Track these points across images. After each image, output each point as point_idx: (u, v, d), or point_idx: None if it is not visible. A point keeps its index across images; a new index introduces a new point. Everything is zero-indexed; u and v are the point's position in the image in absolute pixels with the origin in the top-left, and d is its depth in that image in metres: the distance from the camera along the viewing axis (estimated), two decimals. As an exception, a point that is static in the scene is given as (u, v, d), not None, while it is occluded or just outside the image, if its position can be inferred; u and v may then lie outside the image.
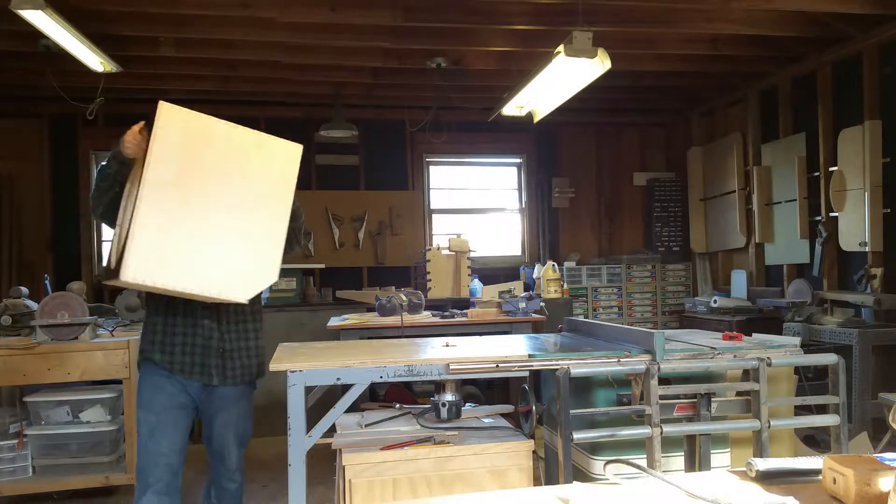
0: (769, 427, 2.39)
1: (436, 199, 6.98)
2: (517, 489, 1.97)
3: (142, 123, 2.43)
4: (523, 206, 7.09)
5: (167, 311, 2.62)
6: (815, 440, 4.27)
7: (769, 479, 1.31)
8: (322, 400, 2.84)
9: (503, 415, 2.85)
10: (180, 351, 2.61)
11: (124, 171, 2.44)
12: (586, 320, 3.42)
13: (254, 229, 2.40)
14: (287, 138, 2.49)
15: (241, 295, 2.40)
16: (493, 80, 5.63)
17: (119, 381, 3.98)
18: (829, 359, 2.52)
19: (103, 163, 2.53)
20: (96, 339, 3.94)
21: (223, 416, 2.72)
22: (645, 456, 2.32)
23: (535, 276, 6.09)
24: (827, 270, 5.18)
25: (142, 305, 2.69)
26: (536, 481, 2.77)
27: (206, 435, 2.79)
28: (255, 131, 2.42)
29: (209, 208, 2.32)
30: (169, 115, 2.25)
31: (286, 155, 2.46)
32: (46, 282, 4.66)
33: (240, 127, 2.39)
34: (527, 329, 4.48)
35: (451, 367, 2.47)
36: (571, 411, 2.28)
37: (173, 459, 2.61)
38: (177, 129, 2.26)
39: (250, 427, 2.83)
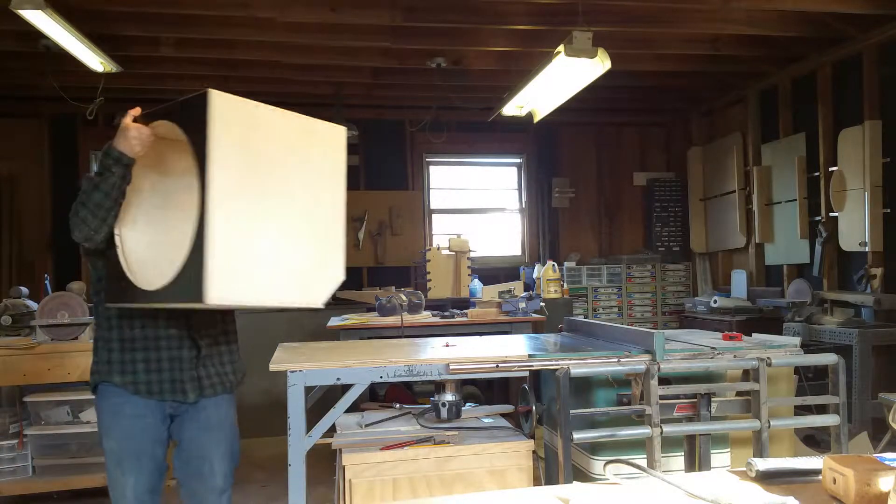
0: (769, 427, 2.39)
1: (436, 199, 6.98)
2: (517, 489, 1.97)
3: (136, 112, 2.11)
4: (523, 206, 7.09)
5: (121, 323, 2.23)
6: (815, 440, 4.27)
7: (769, 479, 1.31)
8: (322, 400, 2.84)
9: (503, 415, 2.85)
10: (144, 369, 2.23)
11: (129, 176, 2.09)
12: (586, 320, 3.42)
13: (319, 225, 2.18)
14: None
15: (319, 299, 2.18)
16: (493, 80, 5.63)
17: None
18: (829, 359, 2.52)
19: (91, 175, 2.12)
20: (96, 339, 3.94)
21: (203, 431, 2.35)
22: (645, 456, 2.33)
23: (535, 276, 6.09)
24: (827, 270, 5.18)
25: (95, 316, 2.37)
26: (536, 481, 2.77)
27: (179, 458, 2.37)
28: (303, 116, 2.18)
29: (277, 208, 2.06)
30: (223, 107, 1.93)
31: (334, 139, 2.24)
32: (46, 282, 4.66)
33: (289, 112, 2.14)
34: (527, 329, 4.48)
35: (451, 367, 2.47)
36: (571, 411, 2.28)
37: (141, 491, 2.25)
38: (233, 122, 1.95)
39: (237, 444, 2.47)
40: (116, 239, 2.11)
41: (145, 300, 2.05)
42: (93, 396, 2.32)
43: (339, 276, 2.25)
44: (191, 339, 2.28)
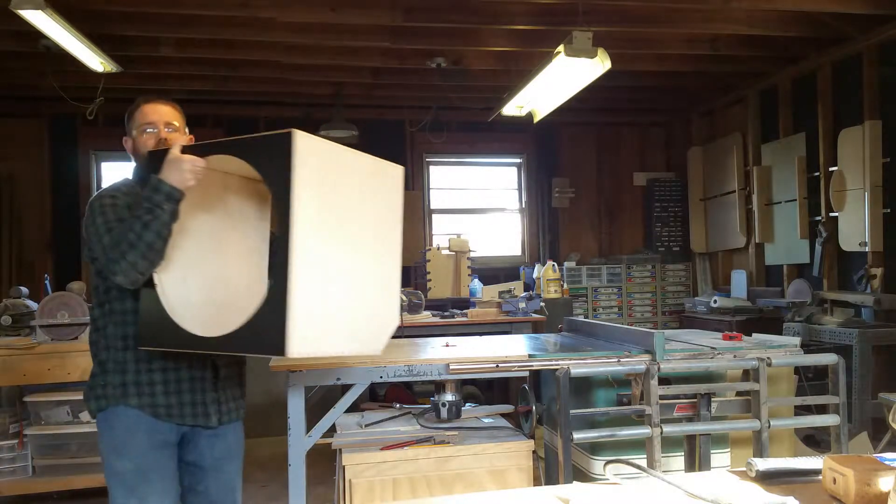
0: (769, 427, 2.39)
1: (436, 199, 6.98)
2: (517, 489, 1.97)
3: (185, 141, 1.98)
4: (523, 206, 7.09)
5: (137, 343, 2.00)
6: (815, 440, 4.27)
7: (769, 479, 1.31)
8: (322, 400, 2.84)
9: (503, 415, 2.85)
10: (163, 391, 2.02)
11: (178, 213, 1.91)
12: (586, 320, 3.42)
13: (382, 269, 2.08)
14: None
15: (380, 347, 2.07)
16: (493, 80, 5.63)
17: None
18: (829, 359, 2.52)
19: (141, 215, 1.86)
20: (96, 339, 3.93)
21: (227, 461, 2.18)
22: (645, 456, 2.33)
23: (535, 276, 6.09)
24: (827, 270, 5.18)
25: (93, 328, 2.10)
26: (536, 481, 2.77)
27: (195, 489, 2.16)
28: (369, 156, 2.08)
29: (348, 254, 1.94)
30: (305, 149, 1.79)
31: (395, 180, 2.15)
32: (46, 282, 4.65)
33: (359, 153, 2.05)
34: (527, 329, 4.48)
35: (451, 367, 2.47)
36: (571, 411, 2.28)
37: None
38: (313, 165, 1.81)
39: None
40: (155, 278, 1.94)
41: (197, 346, 1.88)
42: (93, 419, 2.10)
43: (396, 322, 2.15)
44: (211, 359, 2.09)
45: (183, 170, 1.87)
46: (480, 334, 3.68)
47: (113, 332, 2.03)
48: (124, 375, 2.01)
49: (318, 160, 1.84)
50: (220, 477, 2.15)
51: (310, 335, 1.78)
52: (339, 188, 1.92)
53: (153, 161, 1.95)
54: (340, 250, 1.91)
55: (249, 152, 1.86)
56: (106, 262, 1.89)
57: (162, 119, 2.11)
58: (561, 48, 3.69)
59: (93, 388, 2.06)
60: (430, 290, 5.30)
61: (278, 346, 1.72)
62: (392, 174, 2.14)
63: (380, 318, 2.08)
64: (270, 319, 1.73)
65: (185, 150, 1.92)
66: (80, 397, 3.94)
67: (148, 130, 2.09)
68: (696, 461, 2.46)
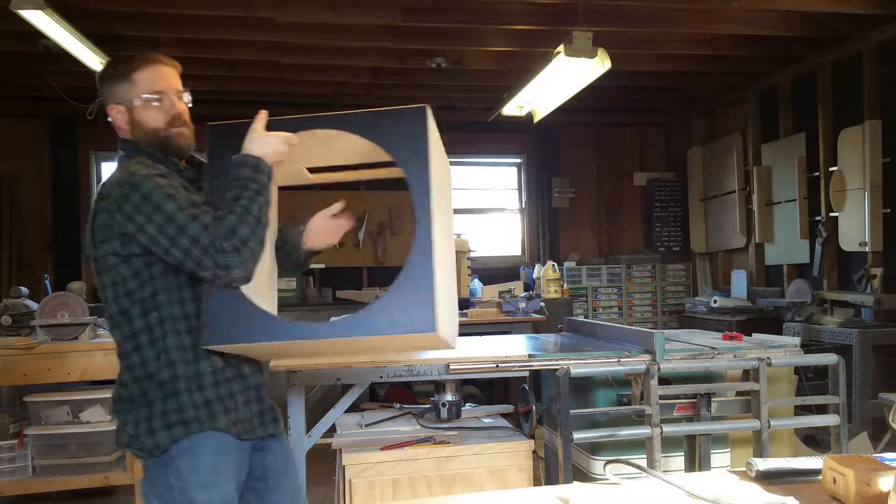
0: (769, 427, 2.39)
1: (436, 199, 6.97)
2: (517, 489, 1.97)
3: (263, 116, 1.76)
4: (523, 206, 7.09)
5: (208, 352, 1.68)
6: (815, 440, 4.27)
7: (769, 479, 1.31)
8: (322, 400, 2.84)
9: (503, 415, 2.85)
10: (243, 402, 1.73)
11: None
12: (586, 320, 3.42)
13: (450, 256, 1.95)
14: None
15: (456, 338, 1.90)
16: (493, 80, 5.63)
17: (119, 381, 3.97)
18: (829, 359, 2.53)
19: (254, 197, 1.63)
20: (96, 339, 3.93)
21: (289, 474, 1.89)
22: (645, 456, 2.33)
23: (535, 276, 6.09)
24: (827, 270, 5.18)
25: (135, 344, 1.71)
26: (536, 481, 2.78)
27: None
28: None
29: (444, 240, 1.80)
30: (432, 125, 1.69)
31: (448, 163, 2.06)
32: (46, 282, 4.65)
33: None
34: (527, 329, 4.48)
35: (451, 367, 2.47)
36: (571, 411, 2.28)
37: None
38: (433, 143, 1.71)
39: None
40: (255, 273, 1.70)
41: (297, 335, 1.64)
42: (145, 453, 1.69)
43: (457, 313, 2.03)
44: (259, 363, 1.85)
45: (280, 151, 1.71)
46: (480, 334, 3.67)
47: (177, 343, 1.66)
48: (202, 392, 1.67)
49: (435, 138, 1.74)
50: (286, 484, 1.86)
51: (444, 322, 1.67)
52: (437, 169, 1.81)
53: (221, 136, 1.77)
54: (442, 239, 1.80)
55: (371, 127, 1.75)
56: (215, 254, 1.56)
57: (172, 88, 1.80)
58: (561, 48, 3.69)
59: (154, 418, 1.66)
60: (430, 290, 5.30)
61: (427, 323, 1.60)
62: (446, 158, 2.05)
63: (454, 312, 1.95)
64: (410, 299, 1.61)
65: (275, 124, 1.75)
66: (80, 397, 3.99)
67: (146, 97, 1.76)
68: (696, 461, 2.46)
